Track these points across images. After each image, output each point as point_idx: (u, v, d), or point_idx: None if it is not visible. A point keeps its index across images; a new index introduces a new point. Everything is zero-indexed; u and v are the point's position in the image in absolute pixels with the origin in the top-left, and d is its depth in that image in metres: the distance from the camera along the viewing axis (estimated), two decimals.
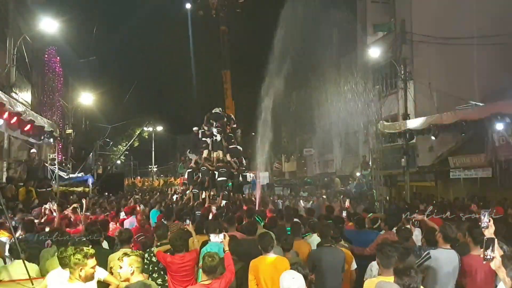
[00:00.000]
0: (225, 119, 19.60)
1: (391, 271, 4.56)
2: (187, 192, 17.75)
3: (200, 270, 5.18)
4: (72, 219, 9.87)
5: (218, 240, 5.67)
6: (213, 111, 19.24)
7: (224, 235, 5.68)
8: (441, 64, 20.72)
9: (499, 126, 14.24)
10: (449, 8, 20.74)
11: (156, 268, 6.12)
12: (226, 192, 16.36)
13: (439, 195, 18.65)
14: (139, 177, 38.14)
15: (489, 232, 4.20)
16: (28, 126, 12.78)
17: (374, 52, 23.37)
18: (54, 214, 10.76)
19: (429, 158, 20.37)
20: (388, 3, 24.46)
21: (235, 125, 19.65)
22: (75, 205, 12.75)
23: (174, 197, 18.54)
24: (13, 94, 18.29)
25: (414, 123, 17.35)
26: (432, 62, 21.08)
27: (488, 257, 3.85)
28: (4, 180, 17.18)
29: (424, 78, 20.88)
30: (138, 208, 12.00)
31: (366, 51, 24.78)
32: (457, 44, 19.86)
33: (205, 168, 17.68)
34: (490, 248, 3.83)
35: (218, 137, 18.48)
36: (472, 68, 20.38)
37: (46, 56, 24.93)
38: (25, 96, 21.97)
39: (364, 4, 26.31)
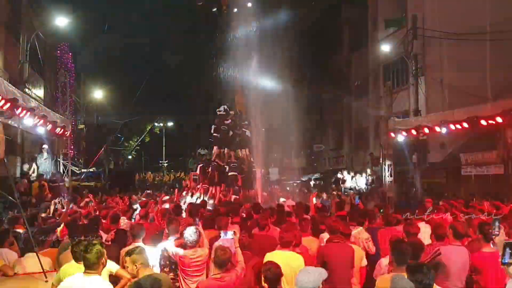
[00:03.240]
0: (234, 115, 19.66)
1: (403, 268, 4.60)
2: (197, 187, 17.85)
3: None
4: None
5: (228, 237, 5.70)
6: (217, 112, 19.34)
7: (234, 232, 5.72)
8: (453, 60, 20.53)
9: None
10: (461, 3, 20.51)
11: (168, 263, 6.19)
12: (237, 187, 16.44)
13: (450, 192, 18.54)
14: (150, 172, 38.27)
15: (499, 240, 4.23)
16: (41, 122, 12.95)
17: (385, 48, 23.25)
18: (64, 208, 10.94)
19: (440, 154, 20.24)
20: None
21: (245, 122, 19.68)
22: (87, 199, 12.98)
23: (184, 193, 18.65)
24: (26, 90, 18.52)
25: (425, 119, 17.26)
26: (444, 58, 20.91)
27: (496, 231, 3.87)
28: (18, 175, 17.40)
29: (436, 74, 20.74)
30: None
31: (377, 46, 24.66)
32: (469, 40, 19.66)
33: (215, 163, 17.78)
34: (509, 253, 3.82)
35: (230, 133, 18.57)
36: (484, 64, 20.17)
37: (59, 52, 25.18)
38: (38, 91, 22.22)
39: None
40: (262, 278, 4.64)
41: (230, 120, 18.82)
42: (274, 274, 4.56)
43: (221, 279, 4.91)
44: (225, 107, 19.58)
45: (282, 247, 5.75)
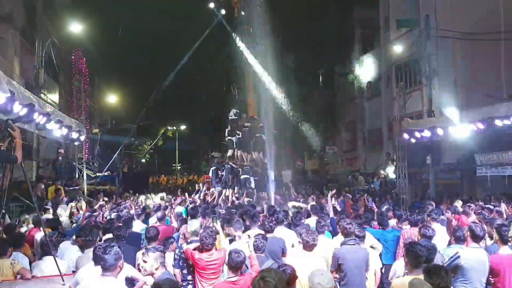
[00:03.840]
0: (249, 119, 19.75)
1: (419, 271, 4.60)
2: (211, 190, 17.91)
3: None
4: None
5: (242, 242, 5.72)
6: (229, 117, 19.45)
7: (248, 235, 5.74)
8: (467, 60, 20.36)
9: None
10: (475, 3, 20.35)
11: (185, 265, 6.24)
12: (250, 190, 16.46)
13: (465, 193, 18.37)
14: (163, 176, 38.50)
15: None
16: (57, 127, 13.11)
17: (398, 48, 23.10)
18: (81, 212, 11.08)
19: (454, 155, 20.06)
20: None
21: (261, 125, 19.71)
22: (101, 202, 13.12)
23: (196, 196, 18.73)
24: (42, 95, 18.78)
25: (439, 119, 17.12)
26: (458, 58, 20.74)
27: None
28: (34, 178, 17.64)
29: (449, 74, 20.57)
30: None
31: (389, 47, 24.53)
32: (482, 40, 19.48)
33: (229, 166, 17.84)
34: None
35: (242, 136, 18.64)
36: (499, 64, 19.96)
37: (73, 57, 25.50)
38: (53, 97, 22.53)
39: None
40: None
41: (249, 124, 18.95)
42: (290, 276, 4.55)
43: (236, 282, 4.93)
44: (236, 111, 19.66)
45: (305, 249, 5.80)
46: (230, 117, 19.38)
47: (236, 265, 4.97)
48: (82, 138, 16.61)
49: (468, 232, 5.67)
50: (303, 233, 5.90)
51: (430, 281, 3.81)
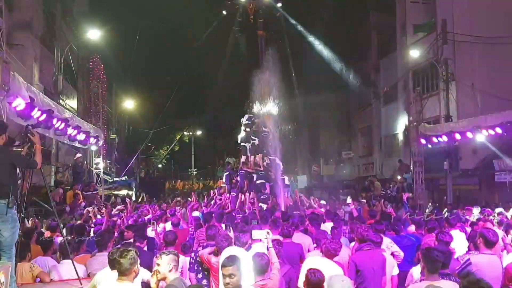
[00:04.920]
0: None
1: (436, 276, 4.58)
2: (226, 195, 17.93)
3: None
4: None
5: (262, 237, 5.67)
6: (243, 122, 19.47)
7: (268, 231, 5.68)
8: (485, 64, 20.14)
9: None
10: (492, 6, 20.15)
11: (200, 269, 6.27)
12: (266, 196, 16.43)
13: (483, 199, 18.11)
14: (179, 181, 38.71)
15: None
16: (75, 132, 13.31)
17: (415, 53, 22.95)
18: (99, 216, 11.18)
19: (472, 161, 19.81)
20: (429, 3, 23.94)
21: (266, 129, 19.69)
22: (119, 207, 13.24)
23: (212, 201, 18.78)
24: (60, 101, 19.08)
25: (457, 125, 16.95)
26: (475, 62, 20.53)
27: None
28: (52, 183, 17.88)
29: (467, 79, 20.36)
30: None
31: (406, 52, 24.38)
32: (500, 43, 19.26)
33: (243, 171, 17.87)
34: None
35: (256, 141, 18.65)
36: None
37: (91, 63, 25.84)
38: (71, 103, 22.86)
39: (404, 4, 25.85)
40: (304, 282, 4.66)
41: (267, 129, 18.93)
42: (318, 280, 4.57)
43: (265, 286, 4.91)
44: (250, 115, 19.68)
45: (326, 256, 5.79)
46: (243, 123, 19.39)
47: (262, 267, 4.97)
48: (100, 143, 16.82)
49: (480, 238, 5.59)
50: (327, 241, 5.90)
51: None
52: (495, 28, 19.41)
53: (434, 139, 17.42)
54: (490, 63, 19.90)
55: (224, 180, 19.47)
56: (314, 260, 5.74)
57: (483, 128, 15.05)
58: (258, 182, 17.34)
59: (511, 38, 18.98)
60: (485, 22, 19.82)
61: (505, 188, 17.75)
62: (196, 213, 11.90)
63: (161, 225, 9.88)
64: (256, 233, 5.75)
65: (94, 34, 20.96)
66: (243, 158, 18.62)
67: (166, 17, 31.76)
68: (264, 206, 13.88)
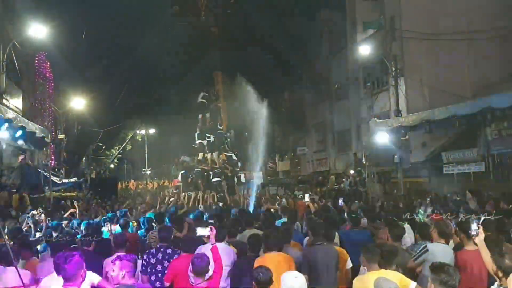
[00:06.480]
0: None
1: (376, 266, 4.80)
2: (181, 194, 17.70)
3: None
4: None
5: (205, 233, 5.62)
6: (199, 118, 19.33)
7: (211, 228, 5.60)
8: (432, 60, 20.81)
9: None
10: (439, 4, 20.86)
11: (153, 271, 6.12)
12: (222, 194, 16.33)
13: (432, 191, 18.71)
14: (133, 181, 37.88)
15: (479, 239, 4.34)
16: (20, 132, 12.73)
17: (365, 50, 23.41)
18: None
19: (421, 154, 20.45)
20: (377, 0, 24.50)
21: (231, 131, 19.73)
22: (71, 210, 12.76)
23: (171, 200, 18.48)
24: (4, 101, 18.20)
25: (406, 119, 17.42)
26: (423, 58, 21.17)
27: (474, 233, 4.37)
28: None
29: (415, 75, 20.97)
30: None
31: (356, 49, 24.84)
32: (447, 40, 19.97)
33: (199, 169, 17.71)
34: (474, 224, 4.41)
35: (212, 139, 18.53)
36: (463, 64, 20.50)
37: (37, 61, 24.82)
38: (16, 102, 21.86)
39: (354, 2, 26.36)
40: (254, 282, 4.56)
41: (222, 126, 18.85)
42: (267, 277, 4.44)
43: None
44: (205, 94, 19.58)
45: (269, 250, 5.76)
46: (198, 100, 19.25)
47: (201, 269, 4.87)
48: (47, 144, 16.17)
49: (435, 229, 5.76)
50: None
51: (438, 278, 3.73)
52: (442, 25, 20.12)
53: (385, 134, 17.81)
54: (437, 59, 20.60)
55: (179, 179, 19.25)
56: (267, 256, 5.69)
57: (431, 122, 15.53)
58: (214, 180, 17.24)
59: (456, 34, 19.72)
60: (431, 19, 20.51)
61: (452, 179, 18.40)
62: (149, 214, 11.63)
63: (113, 227, 9.58)
64: (200, 230, 5.70)
65: (38, 30, 20.06)
66: (199, 156, 18.45)
67: (116, 13, 30.91)
68: (221, 204, 13.81)
